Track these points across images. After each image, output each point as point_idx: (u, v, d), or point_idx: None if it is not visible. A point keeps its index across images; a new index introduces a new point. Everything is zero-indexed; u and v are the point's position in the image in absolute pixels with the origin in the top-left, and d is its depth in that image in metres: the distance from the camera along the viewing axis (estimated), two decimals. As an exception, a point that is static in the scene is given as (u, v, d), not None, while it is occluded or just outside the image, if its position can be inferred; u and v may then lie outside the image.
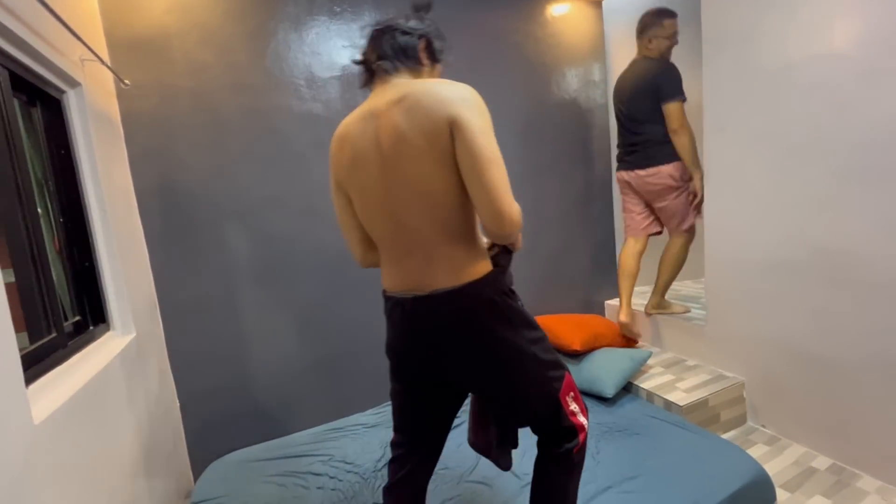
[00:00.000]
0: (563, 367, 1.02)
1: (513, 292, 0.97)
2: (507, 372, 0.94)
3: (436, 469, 1.52)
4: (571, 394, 1.00)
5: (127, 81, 1.59)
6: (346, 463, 1.67)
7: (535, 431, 1.03)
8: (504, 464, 1.17)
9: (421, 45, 0.97)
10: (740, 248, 1.91)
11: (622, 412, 1.84)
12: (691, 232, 2.27)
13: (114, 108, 1.62)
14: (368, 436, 1.86)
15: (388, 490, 1.10)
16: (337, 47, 1.97)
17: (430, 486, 1.47)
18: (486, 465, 1.56)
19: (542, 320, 2.31)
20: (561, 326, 2.23)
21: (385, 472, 1.60)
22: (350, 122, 0.97)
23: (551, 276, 2.59)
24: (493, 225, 0.84)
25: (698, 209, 2.21)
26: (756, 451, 1.78)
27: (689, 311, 2.40)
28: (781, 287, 1.78)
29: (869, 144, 1.46)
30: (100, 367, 1.15)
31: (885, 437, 1.53)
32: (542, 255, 2.55)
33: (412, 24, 0.97)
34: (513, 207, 0.84)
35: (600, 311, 2.75)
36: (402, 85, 0.89)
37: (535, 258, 2.54)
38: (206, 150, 1.78)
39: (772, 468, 1.64)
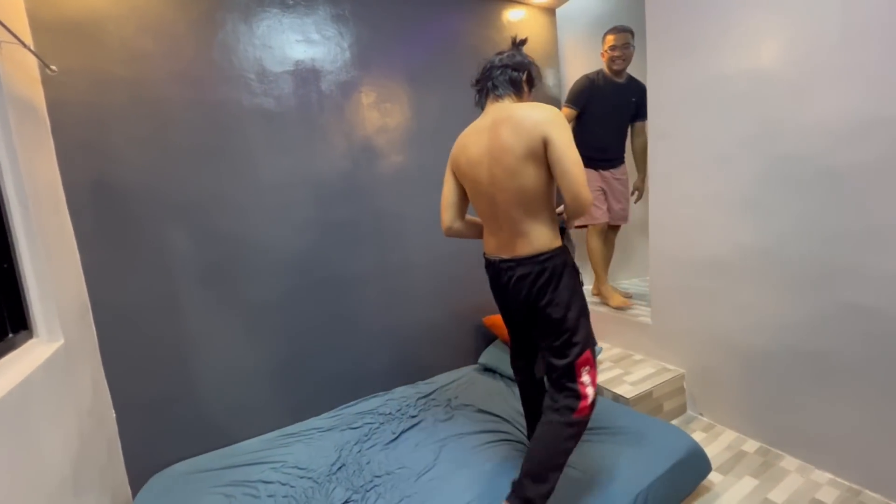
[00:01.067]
0: (587, 344, 1.28)
1: (575, 267, 1.31)
2: (549, 321, 1.27)
3: (393, 469, 1.53)
4: (587, 367, 1.27)
5: (53, 67, 1.46)
6: (299, 469, 1.63)
7: (551, 373, 1.31)
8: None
9: (524, 77, 1.33)
10: (680, 248, 2.04)
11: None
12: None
13: (38, 96, 1.49)
14: (323, 440, 1.82)
15: (517, 381, 1.59)
16: (290, 41, 1.91)
17: (388, 485, 1.48)
18: (443, 463, 1.57)
19: (499, 319, 2.36)
20: (516, 324, 2.28)
21: (340, 475, 1.58)
22: (469, 133, 1.35)
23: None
24: (575, 204, 1.17)
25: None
26: (694, 438, 1.90)
27: (630, 306, 2.54)
28: (715, 285, 1.91)
29: (789, 156, 1.60)
30: (20, 379, 1.05)
31: (803, 421, 1.68)
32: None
33: (518, 59, 1.33)
34: (587, 192, 1.17)
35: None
36: (507, 108, 1.25)
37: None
38: (145, 142, 1.67)
39: (709, 452, 1.75)
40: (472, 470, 1.52)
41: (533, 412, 1.56)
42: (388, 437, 1.78)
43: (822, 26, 1.46)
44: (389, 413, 1.98)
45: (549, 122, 1.16)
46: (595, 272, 2.69)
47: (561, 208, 1.35)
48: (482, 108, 1.37)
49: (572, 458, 1.47)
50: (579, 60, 2.87)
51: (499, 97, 1.31)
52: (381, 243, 2.20)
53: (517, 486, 1.23)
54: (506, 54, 1.34)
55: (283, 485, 1.54)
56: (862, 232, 1.45)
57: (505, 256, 1.31)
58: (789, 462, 1.71)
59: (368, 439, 1.79)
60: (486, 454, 1.62)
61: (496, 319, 2.37)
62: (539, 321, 1.30)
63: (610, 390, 2.01)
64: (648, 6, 2.01)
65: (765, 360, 1.78)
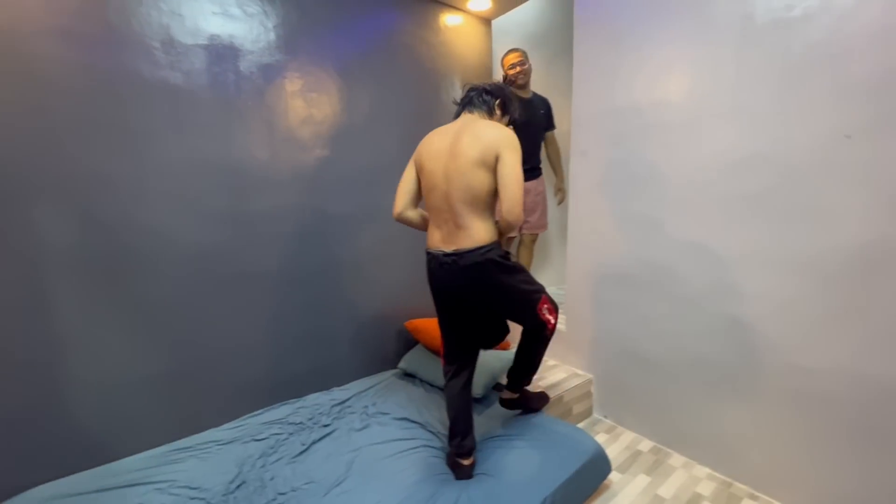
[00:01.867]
0: (541, 291, 1.57)
1: (507, 253, 1.51)
2: (504, 298, 1.51)
3: (300, 485, 1.43)
4: (546, 306, 1.56)
5: None
6: (190, 488, 1.46)
7: (521, 324, 1.61)
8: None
9: (496, 102, 1.55)
10: (594, 261, 2.17)
11: (490, 412, 1.94)
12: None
13: None
14: (221, 454, 1.65)
15: (445, 386, 1.65)
16: (205, 12, 1.73)
17: (293, 503, 1.38)
18: (355, 475, 1.50)
19: (422, 323, 2.33)
20: (437, 329, 2.27)
21: (239, 494, 1.44)
22: (437, 131, 1.54)
23: (432, 280, 2.62)
24: (509, 216, 1.38)
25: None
26: (598, 440, 2.02)
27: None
28: (623, 296, 2.06)
29: (689, 182, 1.77)
30: None
31: (689, 422, 1.87)
32: (423, 258, 2.57)
33: (496, 86, 1.58)
34: (520, 209, 1.37)
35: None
36: (475, 121, 1.48)
37: (419, 260, 2.54)
38: (12, 106, 1.40)
39: (610, 453, 1.88)
40: (385, 482, 1.47)
41: (457, 420, 1.57)
42: (297, 450, 1.67)
43: (720, 70, 1.64)
44: (300, 422, 1.86)
45: (504, 142, 1.38)
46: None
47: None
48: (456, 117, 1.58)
49: (485, 463, 1.55)
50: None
51: (471, 111, 1.54)
52: (300, 241, 2.07)
53: (511, 383, 1.78)
54: (489, 83, 1.58)
55: (170, 508, 1.37)
56: (742, 254, 1.65)
57: (447, 250, 1.44)
58: (676, 459, 1.89)
59: (274, 452, 1.66)
60: (401, 464, 1.58)
61: (419, 324, 2.34)
62: (488, 304, 1.52)
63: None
64: (576, 34, 2.12)
65: (661, 367, 1.95)
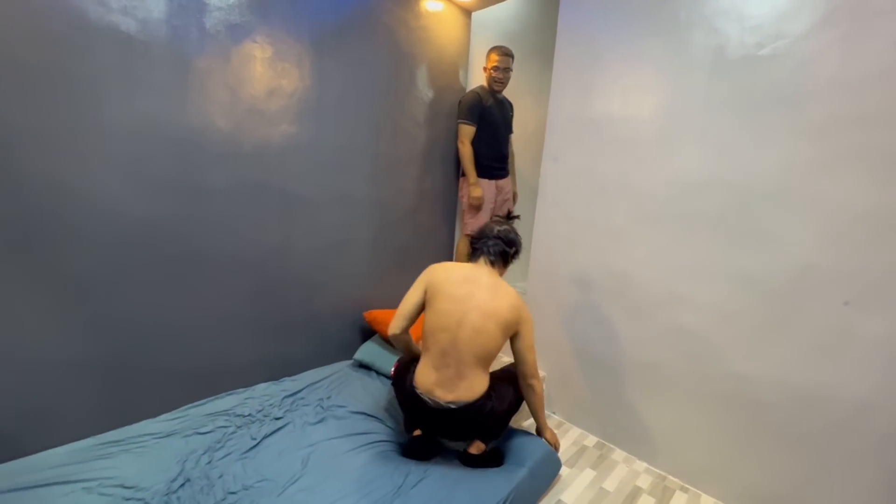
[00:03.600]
0: (518, 404, 1.66)
1: (496, 399, 1.56)
2: (489, 432, 1.59)
3: (252, 483, 1.36)
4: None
5: None
6: (125, 487, 1.32)
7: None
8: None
9: (511, 252, 1.63)
10: (556, 263, 2.24)
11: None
12: None
13: None
14: (159, 449, 1.51)
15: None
16: (169, -44, 1.53)
17: (246, 502, 1.31)
18: (312, 472, 1.44)
19: (380, 314, 2.28)
20: (398, 322, 2.23)
21: (182, 493, 1.33)
22: (457, 270, 1.56)
23: (395, 269, 2.57)
24: (524, 377, 1.59)
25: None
26: (547, 435, 2.11)
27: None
28: (581, 299, 2.15)
29: (653, 196, 1.87)
30: None
31: (630, 420, 2.00)
32: (389, 248, 2.52)
33: (513, 237, 1.63)
34: (539, 378, 1.61)
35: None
36: (501, 284, 1.55)
37: (382, 250, 2.49)
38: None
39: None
40: (343, 478, 1.43)
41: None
42: (247, 444, 1.57)
43: (691, 94, 1.74)
44: (248, 414, 1.75)
45: (527, 321, 1.53)
46: None
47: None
48: (473, 261, 1.63)
49: (442, 469, 1.54)
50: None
51: (491, 262, 1.59)
52: (259, 222, 1.93)
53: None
54: (504, 228, 1.63)
55: (101, 510, 1.23)
56: (695, 267, 1.77)
57: (442, 400, 1.47)
58: (618, 454, 2.02)
59: (221, 447, 1.55)
60: (360, 459, 1.54)
61: (378, 315, 2.29)
62: (477, 434, 1.58)
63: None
64: (559, 41, 2.14)
65: (610, 367, 2.06)
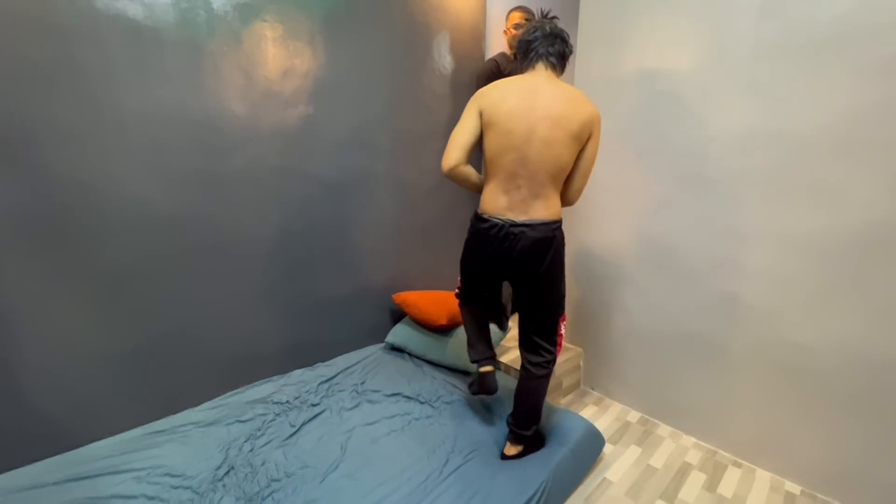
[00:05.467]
0: (564, 307, 1.53)
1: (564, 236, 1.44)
2: (553, 282, 1.43)
3: (294, 469, 1.35)
4: (564, 323, 1.53)
5: None
6: (172, 476, 1.34)
7: (537, 326, 1.49)
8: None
9: (567, 51, 1.39)
10: (590, 233, 2.13)
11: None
12: None
13: None
14: (204, 437, 1.53)
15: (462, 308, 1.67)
16: (170, -67, 1.46)
17: (289, 489, 1.30)
18: (351, 458, 1.43)
19: (410, 296, 2.24)
20: (427, 302, 2.20)
21: (227, 481, 1.34)
22: (510, 85, 1.34)
23: (421, 250, 2.52)
24: (574, 193, 1.42)
25: None
26: (587, 412, 2.05)
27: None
28: (618, 271, 2.05)
29: (696, 155, 1.73)
30: None
31: (676, 394, 1.92)
32: (413, 228, 2.46)
33: (565, 33, 1.38)
34: (581, 194, 1.44)
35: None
36: (565, 85, 1.34)
37: (407, 231, 2.43)
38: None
39: (600, 425, 1.91)
40: (383, 463, 1.41)
41: (476, 333, 1.65)
42: (286, 432, 1.57)
43: (737, 39, 1.57)
44: (286, 402, 1.75)
45: (598, 120, 1.35)
46: None
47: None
48: (523, 70, 1.39)
49: (483, 447, 1.54)
50: (502, 39, 2.79)
51: (552, 66, 1.36)
52: (283, 206, 1.90)
53: (514, 433, 1.50)
54: (552, 23, 1.38)
55: (151, 499, 1.25)
56: (745, 231, 1.64)
57: (518, 219, 1.33)
58: (663, 429, 1.94)
59: (262, 434, 1.56)
60: (398, 443, 1.52)
61: (408, 297, 2.25)
62: (536, 288, 1.42)
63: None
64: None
65: (651, 340, 1.97)
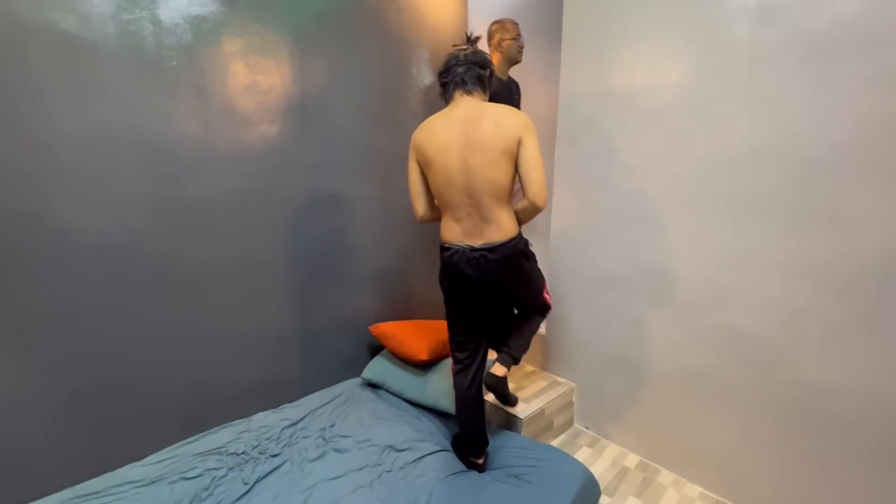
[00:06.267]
0: (543, 276, 1.60)
1: (527, 242, 1.47)
2: (526, 285, 1.52)
3: None
4: (546, 286, 1.63)
5: None
6: (96, 553, 1.14)
7: (529, 310, 1.63)
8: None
9: (487, 74, 1.42)
10: (580, 259, 1.98)
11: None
12: None
13: None
14: (141, 499, 1.34)
15: (455, 385, 1.60)
16: (110, -60, 1.33)
17: None
18: None
19: (388, 328, 2.07)
20: (407, 335, 2.02)
21: (157, 560, 1.14)
22: (437, 122, 1.39)
23: (399, 275, 2.36)
24: (536, 199, 1.33)
25: None
26: (582, 454, 1.87)
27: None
28: (611, 299, 1.89)
29: (691, 176, 1.59)
30: None
31: (679, 436, 1.73)
32: (393, 254, 2.30)
33: (481, 56, 1.41)
34: (545, 193, 1.34)
35: (447, 313, 2.65)
36: (484, 106, 1.35)
37: (386, 257, 2.27)
38: None
39: (595, 470, 1.72)
40: (345, 530, 1.22)
41: (469, 427, 1.54)
42: (239, 491, 1.38)
43: (733, 48, 1.45)
44: (243, 452, 1.56)
45: (525, 126, 1.32)
46: None
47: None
48: (447, 101, 1.43)
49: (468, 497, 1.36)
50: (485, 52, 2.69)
51: (469, 92, 1.39)
52: (245, 232, 1.74)
53: (506, 354, 1.59)
54: (468, 50, 1.41)
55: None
56: (747, 258, 1.49)
57: (475, 244, 1.37)
58: (665, 476, 1.75)
59: (209, 495, 1.36)
60: (366, 502, 1.33)
61: (386, 328, 2.08)
62: (513, 293, 1.52)
63: (504, 408, 1.87)
64: (567, 4, 1.87)
65: (649, 375, 1.80)
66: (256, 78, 1.69)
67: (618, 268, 1.84)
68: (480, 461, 1.53)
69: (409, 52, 2.22)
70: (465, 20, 2.48)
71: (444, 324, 2.38)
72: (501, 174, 1.31)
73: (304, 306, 1.97)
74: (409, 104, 2.26)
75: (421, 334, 2.03)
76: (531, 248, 1.49)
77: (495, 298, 1.49)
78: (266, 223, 1.80)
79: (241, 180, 1.71)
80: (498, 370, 1.59)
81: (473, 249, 1.37)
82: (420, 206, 1.51)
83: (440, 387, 1.83)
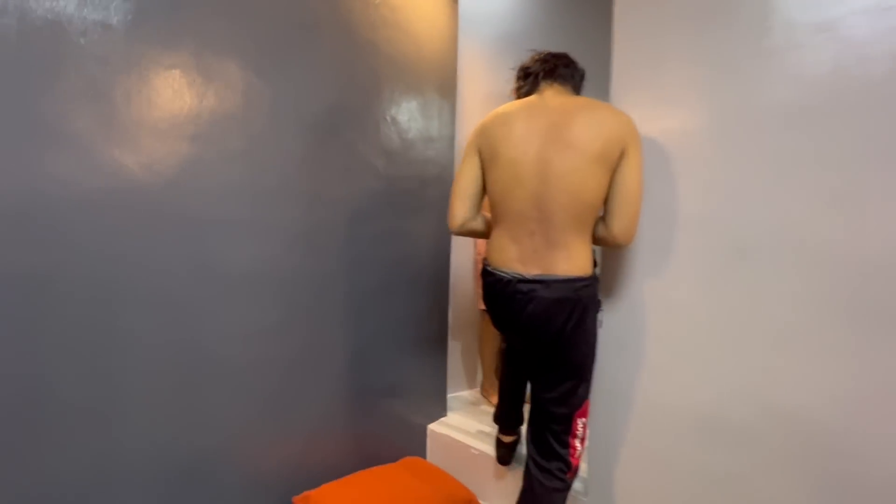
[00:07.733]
0: (588, 392, 1.19)
1: (600, 301, 1.19)
2: (572, 351, 1.13)
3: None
4: (583, 420, 1.18)
5: None
6: None
7: (549, 424, 1.18)
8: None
9: (580, 74, 1.22)
10: (656, 393, 1.23)
11: None
12: None
13: None
14: None
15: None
16: None
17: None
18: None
19: (323, 494, 1.20)
20: (364, 497, 1.18)
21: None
22: (514, 110, 1.13)
23: (359, 382, 1.54)
24: (622, 235, 1.08)
25: None
26: None
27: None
28: (713, 459, 1.14)
29: (858, 266, 0.93)
30: None
31: None
32: (346, 351, 1.49)
33: (572, 60, 1.20)
34: (635, 228, 1.09)
35: (421, 441, 1.79)
36: (580, 99, 1.14)
37: (337, 355, 1.46)
38: None
39: None
40: None
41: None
42: None
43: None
44: None
45: (633, 135, 1.06)
46: (485, 365, 2.07)
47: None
48: (526, 94, 1.17)
49: None
50: (478, 83, 2.08)
51: (564, 83, 1.14)
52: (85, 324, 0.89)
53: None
54: (553, 52, 1.18)
55: None
56: None
57: (528, 274, 1.08)
58: None
59: None
60: None
61: (317, 496, 1.21)
62: (553, 360, 1.15)
63: None
64: (616, 48, 1.27)
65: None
66: (166, 101, 0.92)
67: (722, 409, 1.11)
68: (509, 440, 1.46)
69: (379, 63, 1.54)
70: (455, 35, 1.86)
71: (414, 463, 1.63)
72: (590, 187, 1.04)
73: (187, 467, 1.08)
74: (374, 139, 1.55)
75: (384, 494, 1.21)
76: (602, 312, 1.16)
77: (534, 352, 1.18)
78: (149, 320, 0.95)
79: (79, 242, 0.88)
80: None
81: (523, 280, 1.07)
82: (461, 208, 1.17)
83: None
